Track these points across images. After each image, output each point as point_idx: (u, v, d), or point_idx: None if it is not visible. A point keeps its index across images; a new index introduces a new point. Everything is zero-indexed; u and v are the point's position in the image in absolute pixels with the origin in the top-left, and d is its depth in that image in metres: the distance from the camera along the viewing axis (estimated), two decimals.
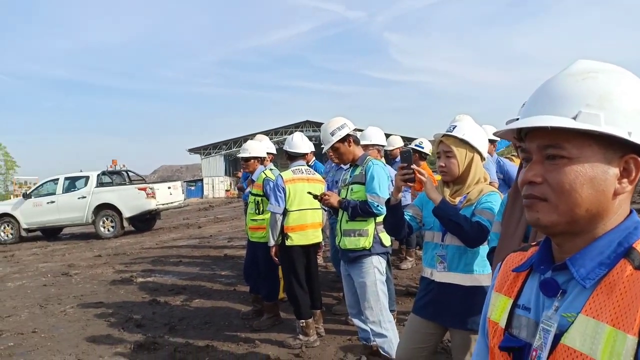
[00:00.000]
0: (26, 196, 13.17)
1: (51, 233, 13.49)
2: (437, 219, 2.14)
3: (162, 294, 5.83)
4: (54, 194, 12.73)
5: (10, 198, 24.33)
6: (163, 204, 13.06)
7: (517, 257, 0.91)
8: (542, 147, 0.74)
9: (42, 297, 6.09)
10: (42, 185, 13.45)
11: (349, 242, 3.14)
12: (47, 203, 12.63)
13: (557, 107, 0.73)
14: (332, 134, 3.20)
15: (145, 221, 13.37)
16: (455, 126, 2.19)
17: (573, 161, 0.72)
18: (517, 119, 0.91)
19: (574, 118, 0.71)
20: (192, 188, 45.85)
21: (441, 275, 2.18)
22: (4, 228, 12.87)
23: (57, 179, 12.97)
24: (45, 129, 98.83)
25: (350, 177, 3.27)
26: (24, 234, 12.86)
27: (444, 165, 2.18)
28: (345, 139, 3.21)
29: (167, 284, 6.39)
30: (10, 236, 12.77)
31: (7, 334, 4.62)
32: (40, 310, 5.46)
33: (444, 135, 2.19)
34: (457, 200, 2.19)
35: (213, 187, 45.47)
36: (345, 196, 3.22)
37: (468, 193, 2.18)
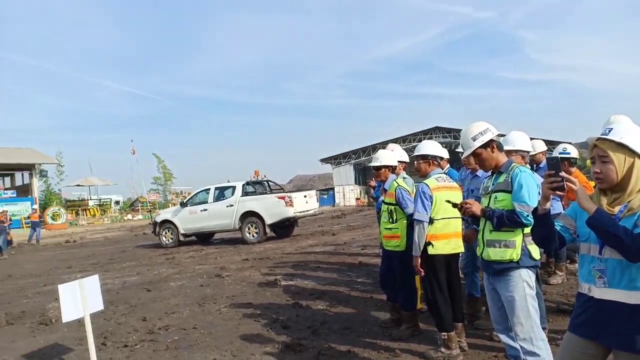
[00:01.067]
0: (183, 205, 14.81)
1: (204, 238, 14.97)
2: (593, 230, 1.97)
3: (304, 297, 6.14)
4: (206, 202, 14.15)
5: (169, 206, 27.55)
6: (300, 212, 13.75)
7: None
8: None
9: (199, 296, 6.78)
10: (195, 194, 15.04)
11: (493, 254, 3.01)
12: (201, 211, 14.07)
13: None
14: (474, 139, 3.09)
15: (284, 228, 14.20)
16: (611, 129, 1.99)
17: None
18: None
19: None
20: (325, 196, 47.43)
21: (601, 292, 1.99)
22: (165, 233, 14.63)
23: (209, 189, 14.41)
24: (196, 143, 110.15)
25: (493, 184, 3.13)
26: (181, 238, 14.48)
27: (599, 171, 1.99)
28: (488, 144, 3.08)
29: (308, 288, 6.72)
30: (171, 240, 14.47)
31: (172, 328, 5.21)
32: (198, 308, 6.08)
33: (598, 139, 2.02)
34: (617, 209, 1.98)
35: (344, 195, 46.54)
36: (488, 205, 3.10)
37: (629, 202, 1.97)
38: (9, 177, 37.13)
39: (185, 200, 15.36)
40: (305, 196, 14.53)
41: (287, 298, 6.21)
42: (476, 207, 3.10)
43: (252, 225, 13.37)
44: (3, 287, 9.20)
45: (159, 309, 6.13)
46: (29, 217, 25.02)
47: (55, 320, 5.67)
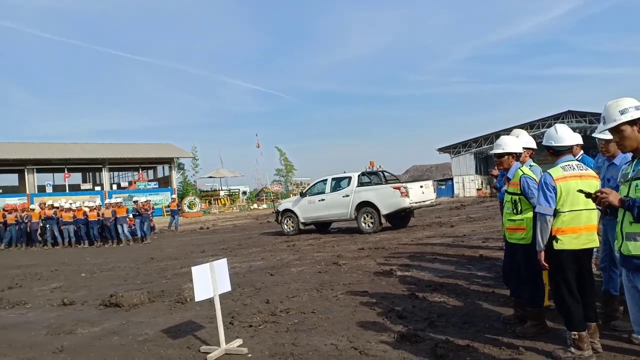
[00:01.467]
0: (302, 195, 15.41)
1: (322, 227, 15.42)
2: None
3: (421, 289, 6.04)
4: (323, 192, 14.55)
5: (290, 196, 28.80)
6: (416, 202, 13.52)
7: None
8: None
9: (318, 282, 7.01)
10: (314, 185, 15.53)
11: (633, 248, 2.68)
12: (319, 201, 14.51)
13: None
14: (623, 112, 2.67)
15: (400, 218, 14.07)
16: None
17: None
18: None
19: None
20: (443, 187, 46.06)
21: None
22: (287, 222, 15.34)
23: (326, 180, 14.79)
24: (314, 136, 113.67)
25: (634, 171, 2.78)
26: (301, 227, 15.08)
27: None
28: (636, 121, 2.72)
29: (425, 280, 6.60)
30: (292, 228, 15.15)
31: (292, 311, 5.46)
32: (317, 293, 6.29)
33: None
34: None
35: (463, 185, 44.77)
36: (627, 194, 2.76)
37: None
38: (152, 170, 41.62)
39: (304, 191, 15.95)
40: (421, 186, 14.23)
41: (403, 288, 6.16)
42: (613, 197, 2.78)
43: (367, 215, 13.45)
44: (146, 269, 10.37)
45: (280, 293, 6.46)
46: (168, 206, 27.90)
47: (190, 299, 6.24)
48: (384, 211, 13.17)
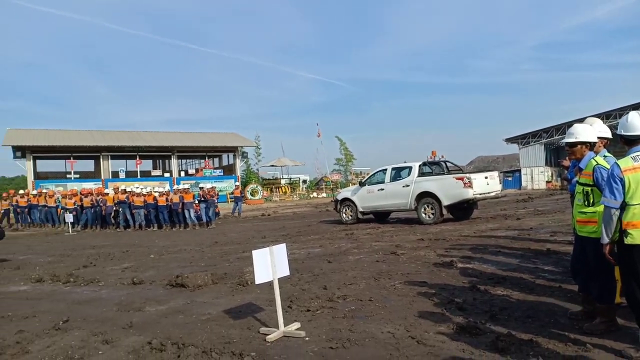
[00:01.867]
0: (361, 184, 15.39)
1: (381, 216, 15.34)
2: None
3: (482, 281, 5.87)
4: (383, 182, 14.44)
5: (349, 186, 28.83)
6: (480, 194, 13.10)
7: None
8: None
9: (375, 271, 6.99)
10: (373, 174, 15.45)
11: None
12: (378, 190, 14.43)
13: None
14: None
15: (463, 210, 13.71)
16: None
17: None
18: None
19: None
20: (509, 179, 44.34)
21: None
22: (345, 210, 15.39)
23: (386, 169, 14.66)
24: (374, 125, 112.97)
25: None
26: (360, 216, 15.07)
27: None
28: None
29: (487, 273, 6.40)
30: (350, 217, 15.19)
31: (350, 298, 5.48)
32: (374, 282, 6.28)
33: None
34: None
35: (532, 177, 42.84)
36: None
37: None
38: (217, 158, 43.01)
39: (363, 180, 15.91)
40: (486, 177, 13.75)
41: (464, 280, 6.02)
42: None
43: (428, 206, 13.20)
44: (210, 252, 10.78)
45: (338, 280, 6.51)
46: (232, 193, 28.77)
47: (250, 282, 6.42)
48: (445, 202, 12.87)
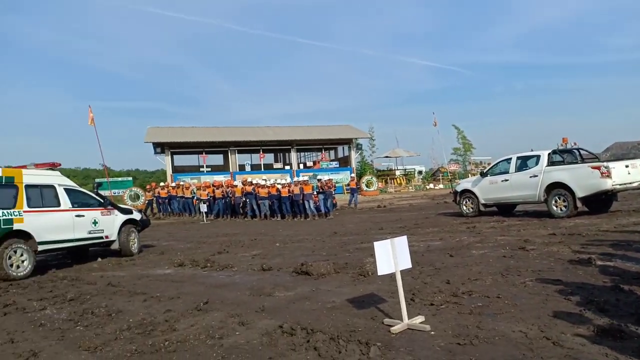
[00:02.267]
0: (483, 175, 14.69)
1: (505, 209, 14.52)
2: None
3: (626, 281, 5.32)
4: (507, 172, 13.65)
5: (468, 176, 27.68)
6: (620, 184, 11.79)
7: None
8: None
9: (502, 266, 6.66)
10: (496, 164, 14.65)
11: None
12: (502, 181, 13.67)
13: None
14: None
15: (600, 202, 12.46)
16: None
17: None
18: None
19: None
20: None
21: None
22: (466, 202, 14.84)
23: (510, 159, 13.82)
24: (495, 112, 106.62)
25: None
26: (482, 208, 14.43)
27: None
28: None
29: (632, 271, 5.78)
30: (471, 210, 14.61)
31: (475, 294, 5.29)
32: (502, 278, 5.99)
33: None
34: None
35: None
36: None
37: None
38: (332, 150, 43.95)
39: (485, 170, 15.17)
40: (627, 166, 12.29)
41: (605, 279, 5.50)
42: None
43: (559, 198, 12.19)
44: (330, 242, 11.11)
45: (461, 275, 6.33)
46: (348, 184, 29.29)
47: (371, 273, 6.52)
48: (579, 194, 11.79)
